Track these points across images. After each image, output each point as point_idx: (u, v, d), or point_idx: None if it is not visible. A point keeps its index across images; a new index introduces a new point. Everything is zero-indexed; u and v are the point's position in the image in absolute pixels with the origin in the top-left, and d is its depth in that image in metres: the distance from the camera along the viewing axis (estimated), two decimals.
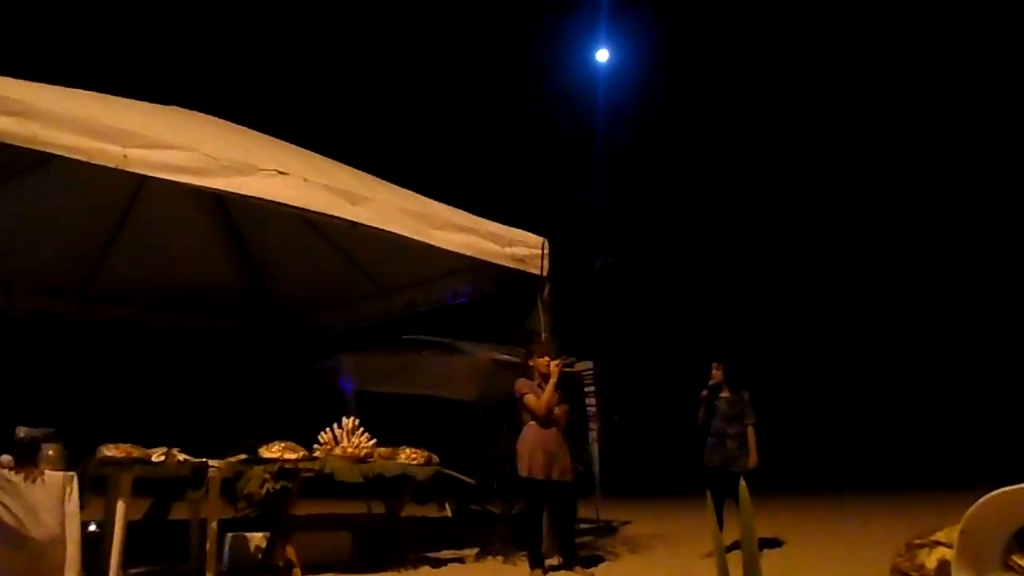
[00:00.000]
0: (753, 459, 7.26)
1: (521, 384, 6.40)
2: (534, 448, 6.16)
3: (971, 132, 26.06)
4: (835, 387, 26.55)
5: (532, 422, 6.26)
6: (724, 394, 7.36)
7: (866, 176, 28.44)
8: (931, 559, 2.60)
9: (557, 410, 6.33)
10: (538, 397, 6.26)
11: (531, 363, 6.49)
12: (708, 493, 2.41)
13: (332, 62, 25.00)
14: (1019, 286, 24.70)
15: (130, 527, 5.30)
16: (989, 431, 23.54)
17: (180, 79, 18.96)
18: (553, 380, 6.29)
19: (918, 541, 2.69)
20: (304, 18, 24.74)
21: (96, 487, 5.34)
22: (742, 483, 2.06)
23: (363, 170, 7.30)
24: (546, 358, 6.42)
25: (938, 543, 2.59)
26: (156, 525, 6.15)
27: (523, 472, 6.18)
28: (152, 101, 6.71)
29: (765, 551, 7.25)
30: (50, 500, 4.91)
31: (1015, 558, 2.16)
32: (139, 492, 5.57)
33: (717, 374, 7.42)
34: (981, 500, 2.11)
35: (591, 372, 9.56)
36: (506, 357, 7.61)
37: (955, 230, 27.09)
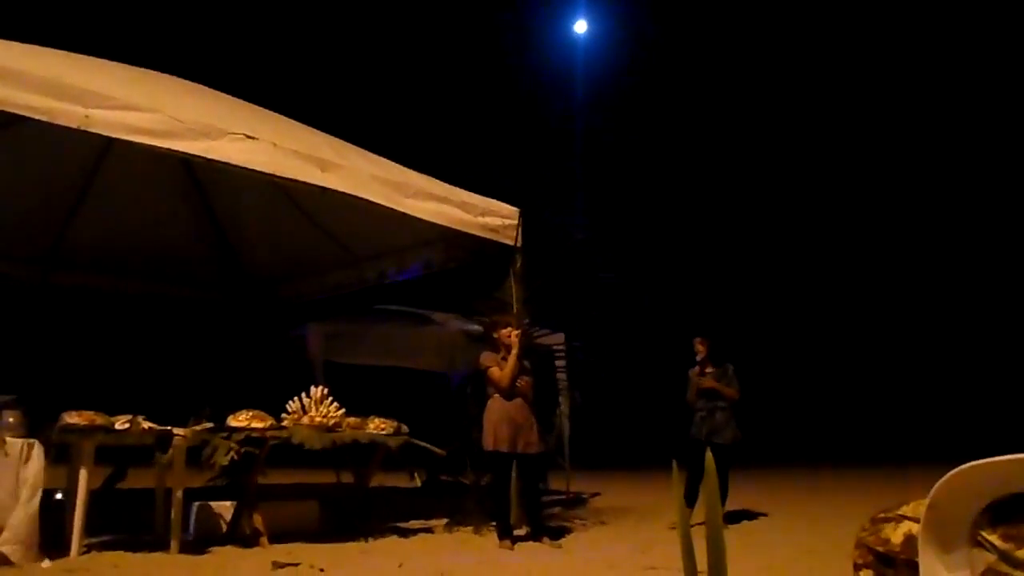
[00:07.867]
0: (734, 391, 7.29)
1: (485, 357, 6.34)
2: (499, 421, 6.11)
3: (943, 115, 26.29)
4: (815, 363, 26.86)
5: (496, 395, 6.22)
6: (709, 369, 7.36)
7: (848, 156, 28.67)
8: (897, 534, 2.59)
9: (521, 382, 6.26)
10: (502, 369, 6.22)
11: (494, 335, 6.42)
12: (676, 466, 2.36)
13: (311, 32, 24.68)
14: (992, 268, 25.03)
15: (93, 496, 5.22)
16: (965, 407, 23.94)
17: (154, 42, 18.62)
18: (515, 351, 6.23)
19: (883, 515, 2.68)
20: None
21: (58, 455, 5.24)
22: (708, 457, 2.04)
23: (339, 137, 7.16)
24: (508, 328, 6.37)
25: (904, 517, 2.58)
26: (108, 493, 6.02)
27: (488, 445, 6.15)
28: (122, 62, 6.51)
29: (734, 525, 7.31)
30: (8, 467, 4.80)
31: (984, 533, 2.15)
32: (102, 460, 5.48)
33: (701, 349, 7.41)
34: (949, 474, 2.09)
35: (562, 346, 9.58)
36: (477, 328, 7.53)
37: (933, 215, 27.40)
